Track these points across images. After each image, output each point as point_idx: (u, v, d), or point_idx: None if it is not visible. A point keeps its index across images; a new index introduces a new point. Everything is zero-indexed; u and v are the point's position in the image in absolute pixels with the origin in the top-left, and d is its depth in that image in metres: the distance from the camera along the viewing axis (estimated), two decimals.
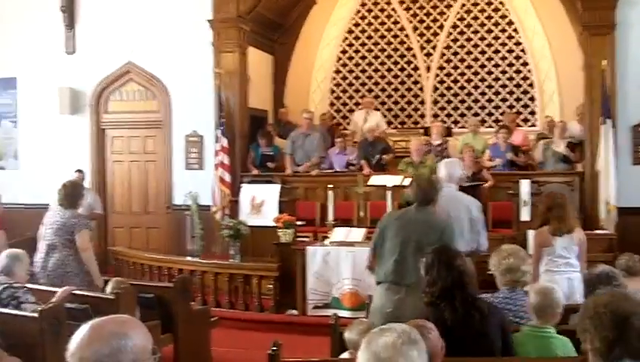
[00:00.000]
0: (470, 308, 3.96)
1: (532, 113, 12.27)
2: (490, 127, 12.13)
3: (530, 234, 7.23)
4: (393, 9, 12.85)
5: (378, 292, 5.22)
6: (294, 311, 8.36)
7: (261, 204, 10.33)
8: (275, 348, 3.68)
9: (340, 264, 8.10)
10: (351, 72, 13.04)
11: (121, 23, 11.68)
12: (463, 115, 12.57)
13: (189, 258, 9.72)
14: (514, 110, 12.08)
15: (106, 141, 12.07)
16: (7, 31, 12.11)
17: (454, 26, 12.64)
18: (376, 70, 12.95)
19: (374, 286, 5.35)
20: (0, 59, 12.18)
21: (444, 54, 12.70)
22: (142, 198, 11.89)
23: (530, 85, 12.26)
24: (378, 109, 12.59)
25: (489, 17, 12.44)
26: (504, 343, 3.97)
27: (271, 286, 8.61)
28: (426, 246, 4.53)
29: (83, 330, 2.18)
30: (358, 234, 8.30)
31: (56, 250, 6.58)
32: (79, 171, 10.63)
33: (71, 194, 6.82)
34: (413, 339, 2.39)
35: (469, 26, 12.55)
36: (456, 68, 12.66)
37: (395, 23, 12.88)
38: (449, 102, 12.70)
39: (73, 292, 6.18)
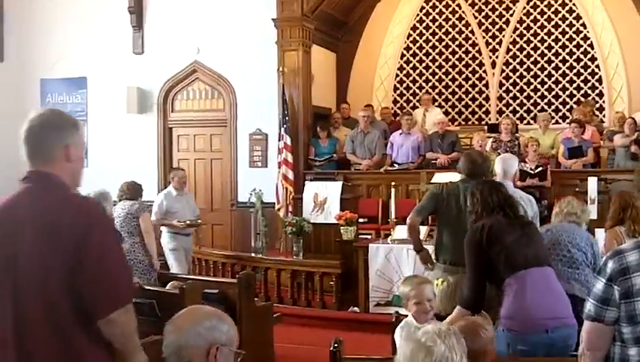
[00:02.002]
0: (521, 218, 4.33)
1: (600, 109, 11.99)
2: (557, 123, 11.91)
3: (599, 233, 7.07)
4: (458, 5, 12.71)
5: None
6: (356, 309, 8.39)
7: (324, 201, 10.38)
8: (336, 345, 3.70)
9: (401, 262, 8.09)
10: (414, 68, 12.96)
11: (187, 23, 11.88)
12: (529, 112, 12.37)
13: (253, 254, 9.83)
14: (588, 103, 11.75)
15: (173, 139, 12.30)
16: (77, 32, 12.44)
17: (520, 21, 12.44)
18: (440, 67, 12.84)
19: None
20: (71, 60, 12.52)
21: (509, 50, 12.51)
22: (207, 196, 12.07)
23: (599, 81, 11.98)
24: (441, 106, 12.53)
25: (556, 12, 12.20)
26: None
27: (333, 283, 8.65)
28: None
29: (186, 309, 2.49)
30: (421, 231, 8.25)
31: (122, 241, 6.76)
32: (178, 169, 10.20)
33: (132, 188, 7.04)
34: (449, 329, 2.58)
35: (535, 21, 12.33)
36: (522, 64, 12.45)
37: (460, 19, 12.75)
38: (515, 98, 12.51)
39: (141, 286, 6.35)
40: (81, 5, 12.42)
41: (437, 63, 12.85)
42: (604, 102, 11.97)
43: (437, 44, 12.84)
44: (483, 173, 5.34)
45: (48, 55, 12.63)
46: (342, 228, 9.01)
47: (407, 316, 4.32)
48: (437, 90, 12.82)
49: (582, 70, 12.08)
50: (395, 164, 10.96)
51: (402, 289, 4.25)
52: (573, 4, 12.06)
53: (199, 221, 9.41)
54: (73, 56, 12.51)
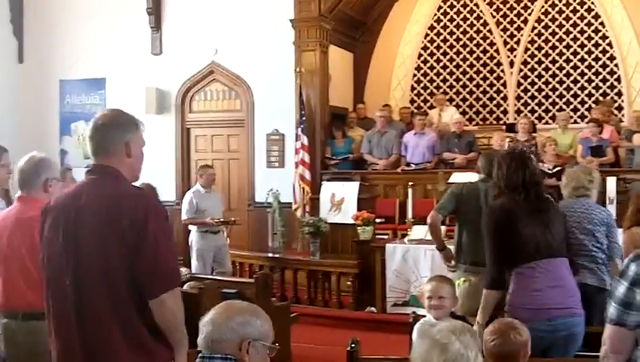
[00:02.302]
0: (543, 201, 4.20)
1: (618, 108, 11.91)
2: (576, 122, 11.85)
3: (618, 233, 7.03)
4: (476, 4, 12.67)
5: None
6: (373, 309, 8.39)
7: (341, 201, 10.39)
8: (353, 345, 3.72)
9: (419, 262, 8.09)
10: (432, 68, 12.94)
11: (205, 24, 11.93)
12: (547, 111, 12.31)
13: (270, 254, 9.86)
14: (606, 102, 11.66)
15: (191, 140, 12.35)
16: (96, 33, 12.53)
17: (539, 20, 12.38)
18: (457, 66, 12.81)
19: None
20: (90, 61, 12.61)
21: (527, 49, 12.46)
22: (224, 196, 12.07)
23: (617, 80, 11.90)
24: (458, 106, 12.51)
25: (575, 11, 12.13)
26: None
27: (350, 283, 8.66)
28: None
29: (221, 304, 2.65)
30: None
31: None
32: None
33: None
34: (463, 326, 2.59)
35: (553, 19, 12.27)
36: (540, 63, 12.40)
37: (478, 18, 12.71)
38: (533, 97, 12.46)
39: None
40: (99, 6, 12.51)
41: (454, 63, 12.82)
42: (622, 101, 11.89)
43: (454, 43, 12.81)
44: None
45: (67, 56, 12.73)
46: (359, 228, 9.01)
47: (424, 316, 4.34)
48: (454, 90, 12.79)
49: (600, 69, 12.00)
50: (411, 165, 10.94)
51: (425, 287, 4.34)
52: (592, 3, 11.99)
53: (233, 219, 9.45)
54: (92, 57, 12.60)
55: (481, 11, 12.68)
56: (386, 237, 9.60)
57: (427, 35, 12.95)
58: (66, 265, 2.84)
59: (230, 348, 2.57)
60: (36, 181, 3.97)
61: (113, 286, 2.78)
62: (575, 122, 11.82)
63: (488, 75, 12.67)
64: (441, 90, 12.72)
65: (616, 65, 11.89)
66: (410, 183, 9.11)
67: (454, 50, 12.81)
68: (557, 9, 12.23)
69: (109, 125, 3.03)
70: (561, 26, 12.22)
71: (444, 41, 12.86)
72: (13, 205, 4.11)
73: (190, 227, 9.05)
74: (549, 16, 12.29)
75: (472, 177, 9.14)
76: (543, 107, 12.38)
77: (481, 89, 12.72)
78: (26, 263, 3.76)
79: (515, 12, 12.50)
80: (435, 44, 12.92)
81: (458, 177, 9.45)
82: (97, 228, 2.80)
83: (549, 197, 4.32)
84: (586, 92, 12.11)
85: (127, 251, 2.75)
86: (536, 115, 12.37)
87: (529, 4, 12.40)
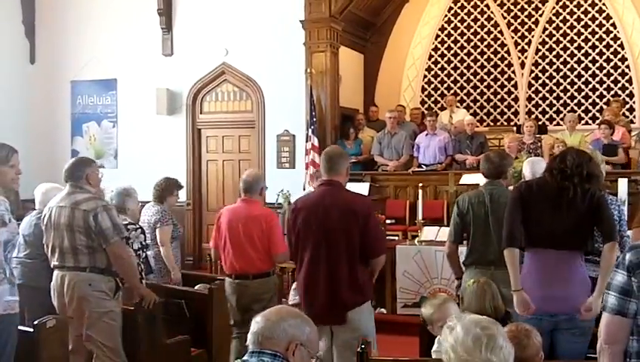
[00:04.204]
0: (584, 198, 4.17)
1: (630, 110, 11.87)
2: (587, 123, 11.82)
3: (629, 233, 7.01)
4: (487, 5, 12.65)
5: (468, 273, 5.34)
6: (383, 310, 8.37)
7: None
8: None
9: (429, 263, 8.07)
10: (442, 69, 12.93)
11: (215, 25, 11.96)
12: (558, 112, 12.27)
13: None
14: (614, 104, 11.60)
15: (202, 141, 12.38)
16: (107, 34, 12.58)
17: (550, 22, 12.35)
18: (468, 67, 12.79)
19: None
20: (101, 62, 12.65)
21: (539, 50, 12.43)
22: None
23: (629, 81, 11.86)
24: (469, 107, 12.51)
25: (586, 12, 12.10)
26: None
27: None
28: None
29: (276, 306, 2.95)
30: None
31: (148, 248, 6.77)
32: None
33: (158, 188, 7.03)
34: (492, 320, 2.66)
35: (564, 21, 12.24)
36: (551, 64, 12.37)
37: (489, 19, 12.69)
38: (544, 99, 12.43)
39: (170, 287, 6.42)
40: (110, 8, 12.56)
41: (465, 64, 12.81)
42: (634, 102, 11.85)
43: (465, 44, 12.80)
44: (502, 171, 5.39)
45: (79, 57, 12.79)
46: None
47: None
48: (465, 91, 12.78)
49: (612, 70, 11.97)
50: (422, 166, 10.93)
51: (424, 312, 4.26)
52: (603, 4, 11.96)
53: None
54: (103, 58, 12.64)
55: (491, 12, 12.65)
56: (396, 238, 9.58)
57: (438, 36, 12.94)
58: (321, 238, 4.66)
59: (279, 347, 2.69)
60: (256, 188, 5.95)
61: (349, 250, 4.62)
62: (587, 123, 11.79)
63: (499, 76, 12.65)
64: (452, 92, 12.71)
65: (627, 66, 11.86)
66: (420, 184, 9.09)
67: (465, 51, 12.79)
68: (568, 10, 12.21)
69: (337, 154, 4.91)
70: (572, 27, 12.19)
71: (455, 42, 12.84)
72: (239, 204, 5.99)
73: None
74: (560, 18, 12.26)
75: (482, 178, 9.16)
76: (554, 108, 12.34)
77: (492, 90, 12.70)
78: (255, 243, 5.72)
79: (526, 13, 12.47)
80: (445, 46, 12.90)
81: (468, 178, 9.44)
82: (341, 218, 4.62)
83: (590, 190, 4.22)
84: (598, 93, 12.07)
85: (360, 231, 4.59)
86: (547, 116, 12.34)
87: (540, 5, 12.37)
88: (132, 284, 5.28)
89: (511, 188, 5.34)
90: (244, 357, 2.74)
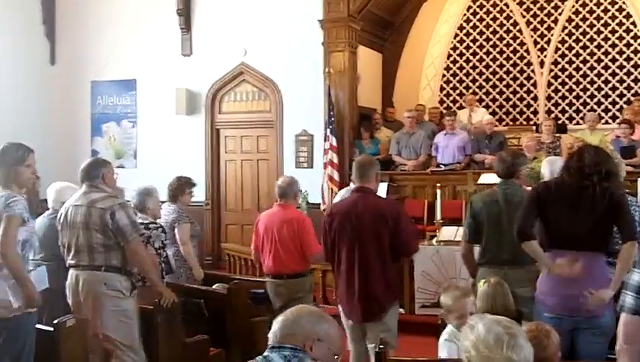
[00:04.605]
0: (603, 197, 4.12)
1: None
2: (607, 123, 11.73)
3: None
4: (506, 4, 12.59)
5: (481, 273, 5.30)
6: (402, 310, 8.33)
7: None
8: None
9: (447, 263, 8.04)
10: (461, 68, 12.88)
11: (234, 25, 11.99)
12: (578, 111, 12.19)
13: None
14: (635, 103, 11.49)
15: (220, 140, 12.42)
16: (127, 35, 12.65)
17: (569, 20, 12.27)
18: (487, 66, 12.74)
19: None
20: (121, 62, 12.72)
21: (558, 49, 12.35)
22: (253, 196, 12.16)
23: None
24: (488, 106, 12.46)
25: (605, 10, 12.01)
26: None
27: None
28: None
29: (297, 306, 3.03)
30: None
31: (167, 247, 6.80)
32: None
33: (172, 188, 7.06)
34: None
35: (584, 19, 12.16)
36: (571, 63, 12.29)
37: (508, 18, 12.63)
38: (563, 98, 12.35)
39: (188, 286, 6.45)
40: (130, 8, 12.63)
41: (484, 63, 12.75)
42: None
43: (484, 43, 12.74)
44: (515, 170, 5.35)
45: (98, 58, 12.86)
46: None
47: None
48: (484, 90, 12.73)
49: (632, 69, 11.87)
50: (441, 165, 10.90)
51: (443, 300, 4.28)
52: (623, 3, 11.87)
53: None
54: (123, 58, 12.72)
55: (510, 11, 12.59)
56: None
57: (456, 35, 12.89)
58: (355, 241, 5.08)
59: (298, 342, 2.81)
60: (290, 193, 6.35)
61: (381, 252, 5.05)
62: (607, 123, 11.70)
63: (518, 75, 12.58)
64: (471, 91, 12.66)
65: None
66: (438, 184, 9.07)
67: (484, 50, 12.74)
68: (588, 8, 12.12)
69: (367, 163, 5.39)
70: (592, 26, 12.11)
71: (474, 41, 12.79)
72: (275, 209, 6.41)
73: None
74: (580, 16, 12.18)
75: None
76: (574, 107, 12.26)
77: (511, 89, 12.64)
78: (289, 246, 6.11)
79: (545, 12, 12.40)
80: (464, 45, 12.86)
81: (487, 178, 9.38)
82: (373, 221, 5.04)
83: (609, 188, 4.17)
84: (618, 92, 11.98)
85: (391, 233, 5.01)
86: (566, 115, 12.27)
87: (559, 3, 12.29)
88: (151, 281, 5.31)
89: (529, 188, 5.31)
90: (265, 353, 2.82)
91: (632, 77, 11.87)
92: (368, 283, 5.07)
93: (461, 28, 12.88)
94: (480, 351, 2.52)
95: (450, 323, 4.21)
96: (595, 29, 12.08)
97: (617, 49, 11.94)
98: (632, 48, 11.85)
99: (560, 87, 12.35)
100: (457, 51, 12.92)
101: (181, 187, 7.07)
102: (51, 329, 4.58)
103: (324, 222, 5.35)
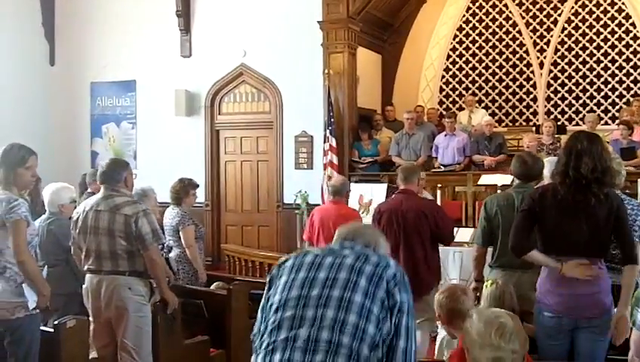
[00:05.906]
0: (584, 194, 3.97)
1: None
2: (606, 123, 11.73)
3: None
4: (505, 5, 12.61)
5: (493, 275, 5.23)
6: None
7: (369, 203, 10.36)
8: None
9: (447, 264, 8.03)
10: (461, 69, 12.89)
11: (234, 26, 11.99)
12: (577, 113, 12.20)
13: None
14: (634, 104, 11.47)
15: (220, 142, 12.42)
16: (127, 36, 12.65)
17: (569, 21, 12.28)
18: (487, 67, 12.75)
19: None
20: (120, 63, 12.73)
21: (557, 50, 12.37)
22: (253, 197, 12.17)
23: None
24: (488, 107, 12.47)
25: (605, 11, 12.02)
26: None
27: None
28: None
29: None
30: (466, 234, 8.22)
31: (171, 250, 6.79)
32: None
33: (174, 191, 7.05)
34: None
35: (584, 20, 12.17)
36: (570, 64, 12.30)
37: (507, 19, 12.64)
38: (563, 99, 12.36)
39: (188, 287, 6.44)
40: (129, 10, 12.63)
41: (484, 64, 12.77)
42: None
43: (483, 44, 12.75)
44: (537, 174, 5.24)
45: (98, 59, 12.88)
46: None
47: None
48: (483, 91, 12.74)
49: (632, 70, 11.88)
50: (440, 166, 10.90)
51: (437, 297, 4.17)
52: (623, 4, 11.88)
53: None
54: (122, 59, 12.72)
55: (510, 12, 12.61)
56: None
57: (456, 36, 12.90)
58: (400, 234, 6.02)
59: (366, 242, 2.91)
60: (342, 192, 7.21)
61: (423, 243, 6.05)
62: (606, 124, 11.71)
63: (518, 76, 12.59)
64: (470, 92, 12.66)
65: None
66: (438, 185, 9.07)
67: (483, 51, 12.75)
68: (587, 10, 12.13)
69: (410, 168, 6.57)
70: (591, 27, 12.12)
71: (473, 42, 12.81)
72: (329, 205, 7.31)
73: None
74: (579, 17, 12.19)
75: (501, 179, 9.14)
76: (573, 108, 12.27)
77: (510, 90, 12.66)
78: None
79: (544, 13, 12.41)
80: (463, 46, 12.87)
81: (487, 179, 9.41)
82: (415, 219, 6.01)
83: (607, 192, 4.03)
84: (617, 93, 11.99)
85: (432, 227, 6.04)
86: (566, 116, 12.28)
87: (559, 4, 12.31)
88: (162, 288, 5.26)
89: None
90: (333, 246, 2.90)
91: (632, 78, 11.88)
92: (413, 264, 5.88)
93: (460, 29, 12.90)
94: (472, 336, 2.70)
95: (443, 327, 4.19)
96: (594, 30, 12.10)
97: (617, 50, 11.95)
98: (631, 49, 11.86)
99: (559, 88, 12.36)
100: (457, 52, 12.93)
101: (184, 189, 7.06)
102: (52, 330, 4.59)
103: (374, 218, 6.27)
